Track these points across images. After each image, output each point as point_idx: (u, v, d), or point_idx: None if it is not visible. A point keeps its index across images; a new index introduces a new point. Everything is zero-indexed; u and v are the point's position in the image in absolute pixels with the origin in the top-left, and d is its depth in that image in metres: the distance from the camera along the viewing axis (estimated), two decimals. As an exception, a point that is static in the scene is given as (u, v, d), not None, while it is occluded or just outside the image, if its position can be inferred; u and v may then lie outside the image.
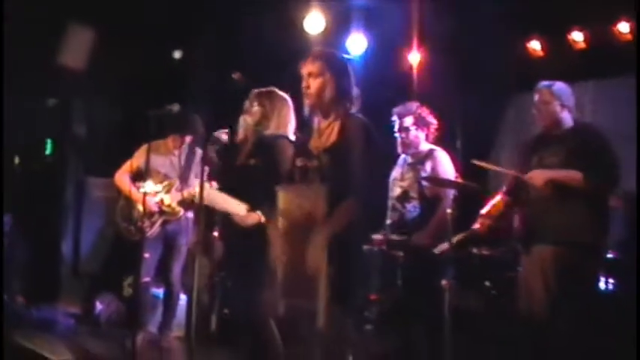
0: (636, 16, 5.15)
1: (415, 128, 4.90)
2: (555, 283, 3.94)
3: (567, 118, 4.20)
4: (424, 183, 4.80)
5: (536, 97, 4.24)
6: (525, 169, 4.21)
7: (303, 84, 3.39)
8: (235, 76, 3.65)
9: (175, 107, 4.42)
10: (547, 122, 4.21)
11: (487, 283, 5.99)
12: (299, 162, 3.39)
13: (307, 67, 3.37)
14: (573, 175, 3.94)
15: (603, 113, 6.11)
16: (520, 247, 4.29)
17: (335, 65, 3.37)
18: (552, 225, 4.00)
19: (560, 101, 4.17)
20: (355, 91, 3.38)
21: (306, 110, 3.47)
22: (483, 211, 4.43)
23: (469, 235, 4.47)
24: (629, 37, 6.03)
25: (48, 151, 7.01)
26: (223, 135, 4.08)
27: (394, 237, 4.75)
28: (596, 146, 4.04)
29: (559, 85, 4.23)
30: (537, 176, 4.01)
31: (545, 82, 4.26)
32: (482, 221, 4.38)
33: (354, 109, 3.36)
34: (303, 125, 3.61)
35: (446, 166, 4.85)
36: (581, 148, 4.03)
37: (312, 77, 3.35)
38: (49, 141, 6.98)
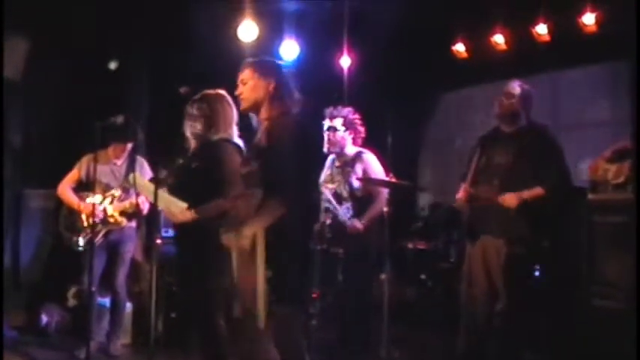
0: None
1: (344, 130, 5.12)
2: (498, 272, 4.21)
3: (523, 119, 4.43)
4: (356, 184, 5.02)
5: (505, 89, 4.43)
6: (476, 165, 4.44)
7: (236, 92, 3.53)
8: (182, 90, 3.76)
9: (120, 118, 4.49)
10: (503, 112, 4.41)
11: (422, 276, 6.29)
12: (243, 169, 3.50)
13: (240, 76, 3.52)
14: (538, 192, 4.16)
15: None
16: (467, 239, 4.50)
17: (265, 70, 3.49)
18: (496, 219, 4.25)
19: (523, 101, 4.40)
20: (295, 94, 3.49)
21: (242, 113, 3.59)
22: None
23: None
24: (547, 38, 6.41)
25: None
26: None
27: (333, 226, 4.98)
28: (546, 151, 4.28)
29: (528, 87, 4.48)
30: (511, 199, 4.17)
31: (517, 81, 4.48)
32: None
33: (294, 110, 3.46)
34: (248, 130, 3.73)
35: (376, 167, 5.08)
36: (530, 150, 4.28)
37: (242, 83, 3.49)
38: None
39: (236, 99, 3.63)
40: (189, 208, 3.89)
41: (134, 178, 4.04)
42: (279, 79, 3.47)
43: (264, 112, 3.46)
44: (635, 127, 4.64)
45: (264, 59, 3.62)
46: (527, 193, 4.16)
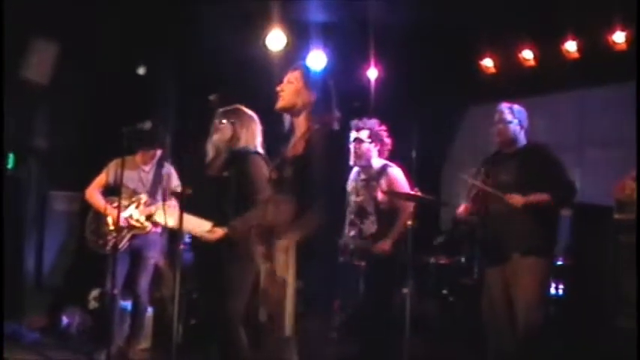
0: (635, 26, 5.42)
1: (369, 142, 5.08)
2: (516, 288, 4.20)
3: (522, 138, 4.48)
4: (381, 198, 4.99)
5: (497, 115, 4.47)
6: (483, 184, 4.45)
7: (278, 87, 3.52)
8: (212, 98, 3.79)
9: (147, 124, 4.51)
10: (504, 139, 4.46)
11: (444, 291, 6.26)
12: (274, 174, 3.50)
13: (289, 74, 3.53)
14: (543, 197, 4.19)
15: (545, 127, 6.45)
16: (482, 255, 4.50)
17: (313, 81, 3.50)
18: (510, 234, 4.25)
19: (519, 121, 4.45)
20: (335, 112, 3.47)
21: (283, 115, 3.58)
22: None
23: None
24: (576, 55, 6.39)
25: (10, 166, 6.98)
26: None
27: (357, 242, 4.92)
28: (548, 165, 4.32)
29: (518, 107, 4.51)
30: (517, 199, 4.22)
31: (505, 103, 4.52)
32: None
33: (332, 126, 3.45)
34: (282, 138, 3.72)
35: (401, 182, 5.05)
36: (532, 167, 4.31)
37: (288, 82, 3.50)
38: (10, 155, 6.95)
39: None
40: (214, 225, 3.90)
41: (163, 217, 4.06)
42: (322, 94, 3.47)
43: (302, 122, 3.47)
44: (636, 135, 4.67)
45: (318, 72, 3.66)
46: (533, 197, 4.20)
